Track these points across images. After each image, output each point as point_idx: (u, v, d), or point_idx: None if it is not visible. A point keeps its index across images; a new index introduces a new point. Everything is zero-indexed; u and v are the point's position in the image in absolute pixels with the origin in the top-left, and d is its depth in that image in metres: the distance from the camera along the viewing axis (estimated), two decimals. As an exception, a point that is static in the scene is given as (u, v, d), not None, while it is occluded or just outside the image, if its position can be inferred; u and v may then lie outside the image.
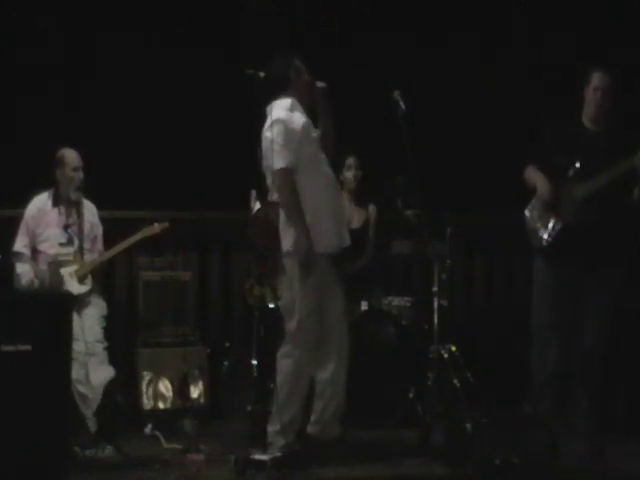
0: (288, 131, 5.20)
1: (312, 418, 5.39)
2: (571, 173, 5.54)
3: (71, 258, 5.82)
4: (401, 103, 5.45)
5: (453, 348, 6.18)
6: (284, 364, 5.25)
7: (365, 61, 6.90)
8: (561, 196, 5.55)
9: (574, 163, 5.51)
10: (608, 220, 5.41)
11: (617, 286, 5.62)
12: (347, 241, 5.38)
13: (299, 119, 5.28)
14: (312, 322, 5.25)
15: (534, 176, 5.65)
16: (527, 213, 5.71)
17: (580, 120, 5.62)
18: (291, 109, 5.29)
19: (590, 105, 5.55)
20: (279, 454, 5.11)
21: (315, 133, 5.37)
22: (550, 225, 5.57)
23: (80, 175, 5.89)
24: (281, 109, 5.28)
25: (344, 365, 5.38)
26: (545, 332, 5.69)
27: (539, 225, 5.62)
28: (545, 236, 5.58)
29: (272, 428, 5.23)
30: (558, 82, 6.86)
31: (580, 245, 5.44)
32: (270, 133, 5.21)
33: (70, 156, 5.88)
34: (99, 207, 6.06)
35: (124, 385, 6.02)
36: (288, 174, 5.18)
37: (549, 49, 7.14)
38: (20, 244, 5.87)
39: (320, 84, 5.34)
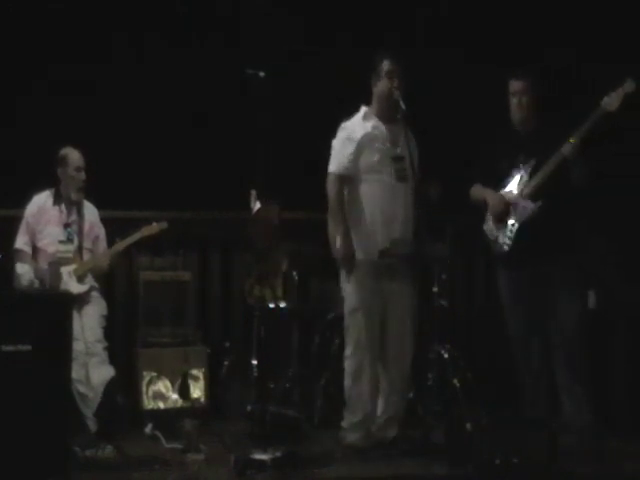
0: (346, 139, 5.48)
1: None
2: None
3: (70, 256, 5.82)
4: (401, 103, 5.44)
5: (453, 348, 6.19)
6: (346, 365, 5.47)
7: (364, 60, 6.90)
8: (510, 201, 5.61)
9: (514, 166, 5.59)
10: (557, 211, 5.47)
11: (580, 276, 5.64)
12: (395, 251, 5.42)
13: (363, 129, 5.47)
14: (355, 321, 5.42)
15: (481, 192, 5.76)
16: (485, 227, 5.75)
17: (512, 125, 5.73)
18: (364, 117, 5.53)
19: (512, 111, 5.67)
20: (279, 454, 5.12)
21: (384, 145, 5.47)
22: (507, 230, 5.61)
23: (82, 176, 5.89)
24: (354, 116, 5.54)
25: (405, 366, 5.48)
26: (521, 332, 5.66)
27: (497, 233, 5.66)
28: (505, 240, 5.62)
29: (344, 424, 5.45)
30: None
31: (537, 242, 5.48)
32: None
33: (73, 156, 5.89)
34: (99, 207, 6.06)
35: (124, 385, 6.02)
36: (334, 179, 5.48)
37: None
38: (21, 242, 5.87)
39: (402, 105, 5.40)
